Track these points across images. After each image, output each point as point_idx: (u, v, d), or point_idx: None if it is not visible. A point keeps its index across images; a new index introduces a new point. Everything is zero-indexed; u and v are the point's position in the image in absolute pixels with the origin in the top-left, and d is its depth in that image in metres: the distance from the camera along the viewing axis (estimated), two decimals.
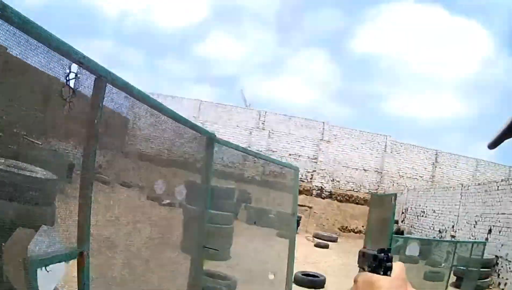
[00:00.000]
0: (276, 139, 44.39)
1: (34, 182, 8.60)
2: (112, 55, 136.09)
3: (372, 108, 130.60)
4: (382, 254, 1.40)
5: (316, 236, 29.89)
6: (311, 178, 43.10)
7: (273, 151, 43.65)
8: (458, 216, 25.07)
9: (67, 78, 3.19)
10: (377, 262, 1.39)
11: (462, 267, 16.42)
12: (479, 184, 24.20)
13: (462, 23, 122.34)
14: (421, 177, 44.35)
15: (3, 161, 10.89)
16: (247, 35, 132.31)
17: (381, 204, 14.40)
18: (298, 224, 32.17)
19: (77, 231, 3.45)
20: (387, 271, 1.36)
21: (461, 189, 25.55)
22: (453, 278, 16.51)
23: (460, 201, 25.03)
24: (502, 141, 1.14)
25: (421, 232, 30.06)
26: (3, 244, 5.43)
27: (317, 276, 15.18)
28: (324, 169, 43.14)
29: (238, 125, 44.76)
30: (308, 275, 15.04)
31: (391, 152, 44.22)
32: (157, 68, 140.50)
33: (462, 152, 47.27)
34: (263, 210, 18.60)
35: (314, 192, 41.90)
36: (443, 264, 16.35)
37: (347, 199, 41.04)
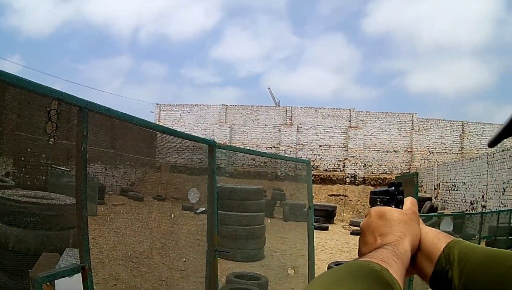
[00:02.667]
0: (305, 133, 44.40)
1: (53, 209, 8.98)
2: (132, 71, 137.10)
3: (395, 86, 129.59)
4: (393, 188, 1.44)
5: (352, 223, 29.79)
6: (343, 167, 43.02)
7: (303, 145, 43.95)
8: (486, 185, 24.75)
9: (49, 115, 3.51)
10: (388, 196, 1.43)
11: (491, 237, 16.19)
12: (503, 150, 23.76)
13: None
14: (450, 150, 43.85)
15: (24, 192, 11.29)
16: (262, 30, 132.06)
17: (405, 184, 14.45)
18: (333, 215, 32.29)
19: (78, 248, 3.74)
20: (398, 204, 1.41)
21: (487, 158, 25.23)
22: None
23: (487, 170, 24.70)
24: (501, 140, 1.14)
25: (454, 206, 29.68)
26: (30, 270, 5.76)
27: None
28: (355, 156, 42.99)
29: (266, 124, 44.95)
30: (340, 264, 15.08)
31: (418, 129, 43.68)
32: (179, 77, 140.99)
33: (489, 120, 46.60)
34: (296, 205, 18.75)
35: (348, 180, 41.78)
36: (476, 236, 16.26)
37: (381, 182, 40.41)
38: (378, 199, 1.46)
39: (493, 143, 1.17)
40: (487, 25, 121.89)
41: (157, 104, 47.53)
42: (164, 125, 43.48)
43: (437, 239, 1.36)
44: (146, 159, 39.42)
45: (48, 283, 3.30)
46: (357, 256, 1.36)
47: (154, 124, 4.91)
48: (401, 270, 1.12)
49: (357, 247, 1.43)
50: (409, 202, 1.43)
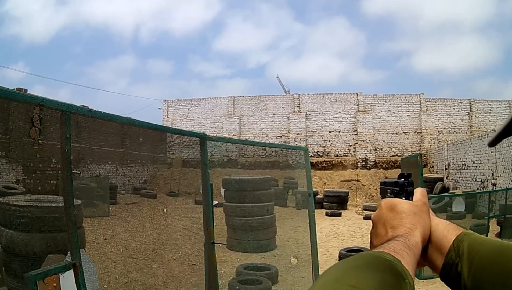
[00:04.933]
0: (314, 120, 44.33)
1: (57, 211, 9.04)
2: (137, 69, 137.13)
3: (401, 66, 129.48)
4: (403, 179, 1.45)
5: (365, 208, 29.79)
6: (354, 151, 42.94)
7: (313, 132, 43.90)
8: (496, 163, 24.62)
9: (32, 121, 3.60)
10: (398, 187, 1.45)
11: (500, 216, 16.00)
12: None
13: None
14: (459, 129, 43.52)
15: (27, 197, 11.38)
16: (264, 19, 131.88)
17: (410, 165, 14.45)
18: (346, 200, 32.25)
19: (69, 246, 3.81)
20: (408, 196, 1.43)
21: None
22: (498, 229, 15.89)
23: (495, 148, 24.15)
24: (502, 139, 1.15)
25: (465, 185, 29.46)
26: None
27: (361, 251, 15.02)
28: (365, 140, 42.83)
29: (274, 113, 44.94)
30: (352, 251, 14.96)
31: (426, 110, 43.40)
32: (186, 71, 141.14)
33: (496, 97, 46.46)
34: (307, 192, 18.82)
35: (359, 164, 41.68)
36: (486, 217, 16.15)
37: (392, 165, 40.46)
38: (388, 191, 1.49)
39: (493, 143, 1.18)
40: (489, 1, 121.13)
41: (165, 100, 47.78)
42: (173, 121, 43.98)
43: (447, 230, 1.38)
44: (157, 156, 39.56)
45: (43, 281, 3.36)
46: (369, 245, 1.40)
47: (139, 121, 4.92)
48: (412, 262, 1.15)
49: (369, 234, 1.46)
50: (419, 193, 1.45)
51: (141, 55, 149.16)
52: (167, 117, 46.17)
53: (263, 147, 38.85)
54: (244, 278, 10.24)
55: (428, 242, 1.37)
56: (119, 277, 10.09)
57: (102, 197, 19.59)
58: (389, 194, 1.47)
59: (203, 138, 6.21)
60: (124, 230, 11.87)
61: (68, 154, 3.74)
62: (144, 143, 36.79)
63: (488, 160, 26.00)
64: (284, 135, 44.04)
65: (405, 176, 1.46)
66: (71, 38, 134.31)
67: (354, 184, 37.93)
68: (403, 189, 1.43)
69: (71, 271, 3.62)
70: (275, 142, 41.40)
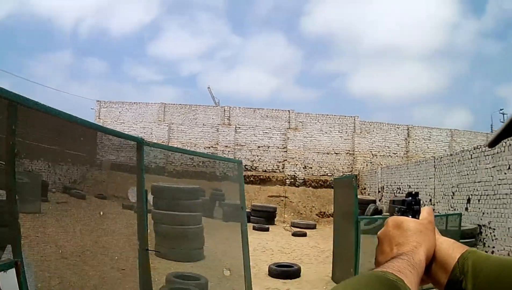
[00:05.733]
0: (243, 133, 44.36)
1: None
2: (73, 66, 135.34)
3: (336, 88, 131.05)
4: (410, 198, 1.47)
5: (293, 225, 29.94)
6: (283, 168, 43.16)
7: (242, 145, 43.89)
8: (434, 189, 25.05)
9: None
10: (405, 206, 1.47)
11: None
12: (451, 155, 24.13)
13: None
14: (395, 153, 44.87)
15: None
16: (201, 28, 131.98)
17: (343, 186, 14.43)
18: (274, 216, 32.30)
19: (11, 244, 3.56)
20: (415, 214, 1.45)
21: (434, 162, 25.55)
22: None
23: (434, 174, 25.06)
24: (502, 140, 1.16)
25: None
26: None
27: (291, 266, 14.96)
28: (294, 157, 43.15)
29: (204, 123, 44.76)
30: (281, 265, 14.89)
31: (361, 132, 44.45)
32: (120, 74, 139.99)
33: (438, 124, 47.72)
34: (235, 205, 18.63)
35: (288, 181, 41.84)
36: None
37: (322, 184, 41.01)
38: (396, 209, 1.51)
39: (493, 143, 1.19)
40: (439, 29, 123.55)
41: (98, 100, 46.87)
42: (104, 122, 43.37)
43: (451, 249, 1.38)
44: (87, 156, 38.86)
45: None
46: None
47: (80, 119, 4.66)
48: (416, 280, 1.16)
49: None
50: (426, 212, 1.48)
51: (78, 52, 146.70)
52: (99, 118, 45.12)
53: (191, 157, 38.68)
54: (175, 287, 10.04)
55: (432, 260, 1.38)
56: (52, 276, 9.77)
57: (35, 193, 19.01)
58: (396, 212, 1.49)
59: (140, 143, 5.98)
60: (56, 229, 11.51)
61: (12, 147, 3.54)
62: (77, 143, 36.12)
63: (426, 185, 26.46)
64: (212, 146, 43.91)
65: (413, 195, 1.49)
66: (15, 28, 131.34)
67: (282, 200, 37.88)
68: (410, 208, 1.47)
69: (13, 270, 3.33)
70: (203, 153, 41.49)
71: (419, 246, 1.31)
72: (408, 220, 1.40)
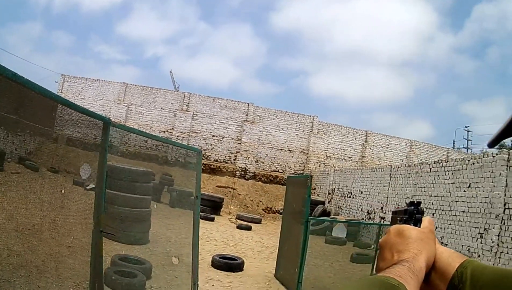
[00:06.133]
0: (200, 121, 44.15)
1: None
2: (42, 38, 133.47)
3: (298, 85, 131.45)
4: (412, 207, 1.52)
5: (239, 217, 29.94)
6: (234, 159, 43.12)
7: (197, 133, 43.62)
8: (387, 197, 25.15)
9: None
10: (407, 214, 1.52)
11: None
12: (409, 166, 24.20)
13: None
14: (350, 157, 45.11)
15: None
16: (170, 12, 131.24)
17: (297, 185, 14.39)
18: (220, 206, 32.31)
19: None
20: (417, 222, 1.49)
21: (390, 170, 25.58)
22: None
23: (389, 183, 25.10)
24: (501, 140, 1.19)
25: (349, 213, 29.93)
26: None
27: (235, 259, 14.90)
28: (248, 150, 43.20)
29: (162, 107, 44.46)
30: (225, 258, 14.84)
31: (317, 132, 44.59)
32: (84, 49, 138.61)
33: (396, 133, 47.99)
34: (185, 192, 18.55)
35: (238, 173, 41.81)
36: (372, 246, 16.38)
37: (271, 180, 41.14)
38: (398, 218, 1.55)
39: (493, 143, 1.22)
40: (413, 40, 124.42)
41: (62, 74, 46.07)
42: (66, 97, 42.77)
43: (451, 258, 1.41)
44: (45, 128, 38.40)
45: None
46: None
47: (56, 94, 4.55)
48: (416, 286, 1.21)
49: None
50: (427, 221, 1.51)
51: (48, 23, 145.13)
52: (61, 92, 44.08)
53: (145, 139, 38.39)
54: (120, 269, 9.98)
55: (432, 268, 1.41)
56: (2, 249, 9.65)
57: None
58: (398, 221, 1.54)
59: (107, 123, 5.91)
60: (8, 199, 11.35)
61: None
62: (37, 114, 35.70)
63: (379, 193, 26.48)
64: (167, 131, 43.66)
65: (415, 204, 1.53)
66: None
67: (230, 191, 37.87)
68: (411, 216, 1.51)
69: None
70: (167, 139, 41.25)
71: (420, 253, 1.35)
72: (409, 228, 1.44)
